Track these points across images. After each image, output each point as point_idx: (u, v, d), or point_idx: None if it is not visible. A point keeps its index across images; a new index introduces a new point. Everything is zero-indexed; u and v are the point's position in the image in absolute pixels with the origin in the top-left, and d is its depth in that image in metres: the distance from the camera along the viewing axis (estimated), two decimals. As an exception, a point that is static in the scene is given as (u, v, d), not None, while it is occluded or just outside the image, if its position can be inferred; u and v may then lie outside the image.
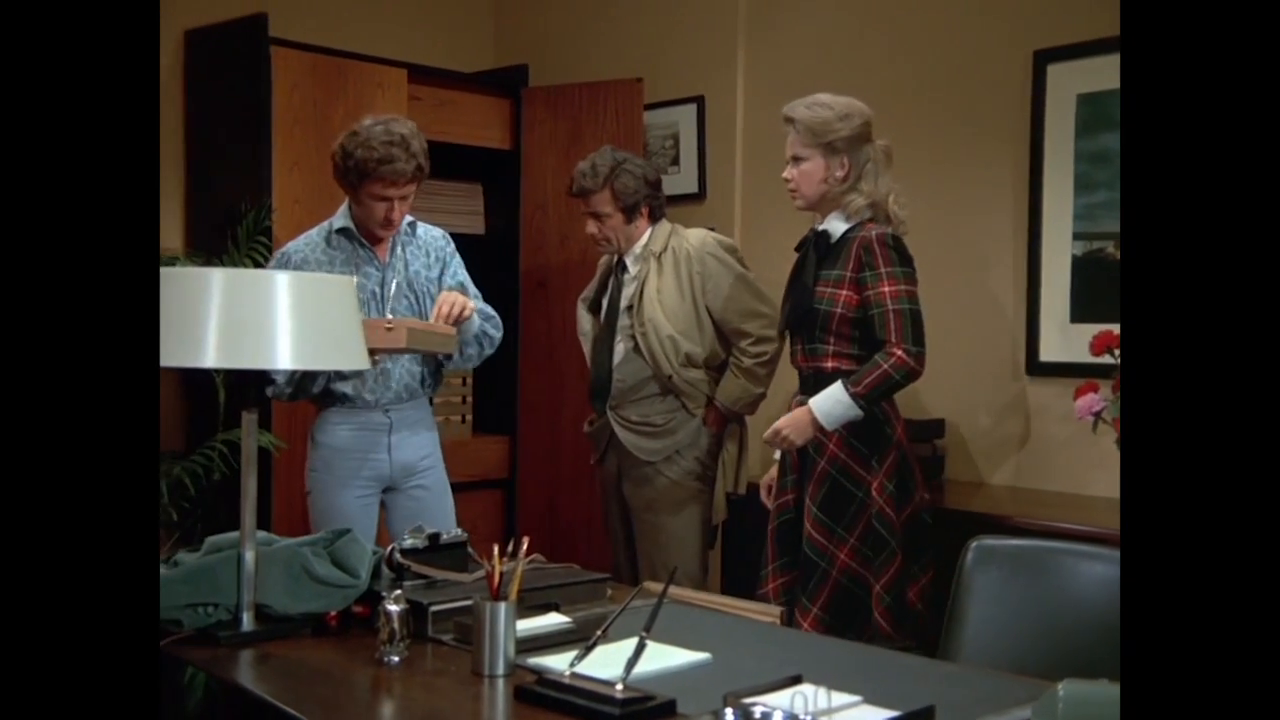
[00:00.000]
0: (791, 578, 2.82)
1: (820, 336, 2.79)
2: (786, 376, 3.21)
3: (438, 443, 3.09)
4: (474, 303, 2.95)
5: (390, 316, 2.83)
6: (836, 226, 2.81)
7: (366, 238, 2.95)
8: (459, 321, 2.86)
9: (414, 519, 2.76)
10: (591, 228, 3.38)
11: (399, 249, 3.00)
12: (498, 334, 3.05)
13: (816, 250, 2.83)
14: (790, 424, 2.78)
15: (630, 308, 3.33)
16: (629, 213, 3.32)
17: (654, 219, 3.39)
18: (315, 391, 2.93)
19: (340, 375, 2.90)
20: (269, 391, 2.92)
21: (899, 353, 2.68)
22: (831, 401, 2.71)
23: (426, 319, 2.96)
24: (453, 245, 3.11)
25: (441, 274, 3.05)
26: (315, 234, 2.98)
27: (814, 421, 2.73)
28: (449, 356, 2.98)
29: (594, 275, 3.57)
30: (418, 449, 3.02)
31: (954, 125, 3.66)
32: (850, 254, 2.74)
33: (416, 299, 3.00)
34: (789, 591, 2.81)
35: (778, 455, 2.99)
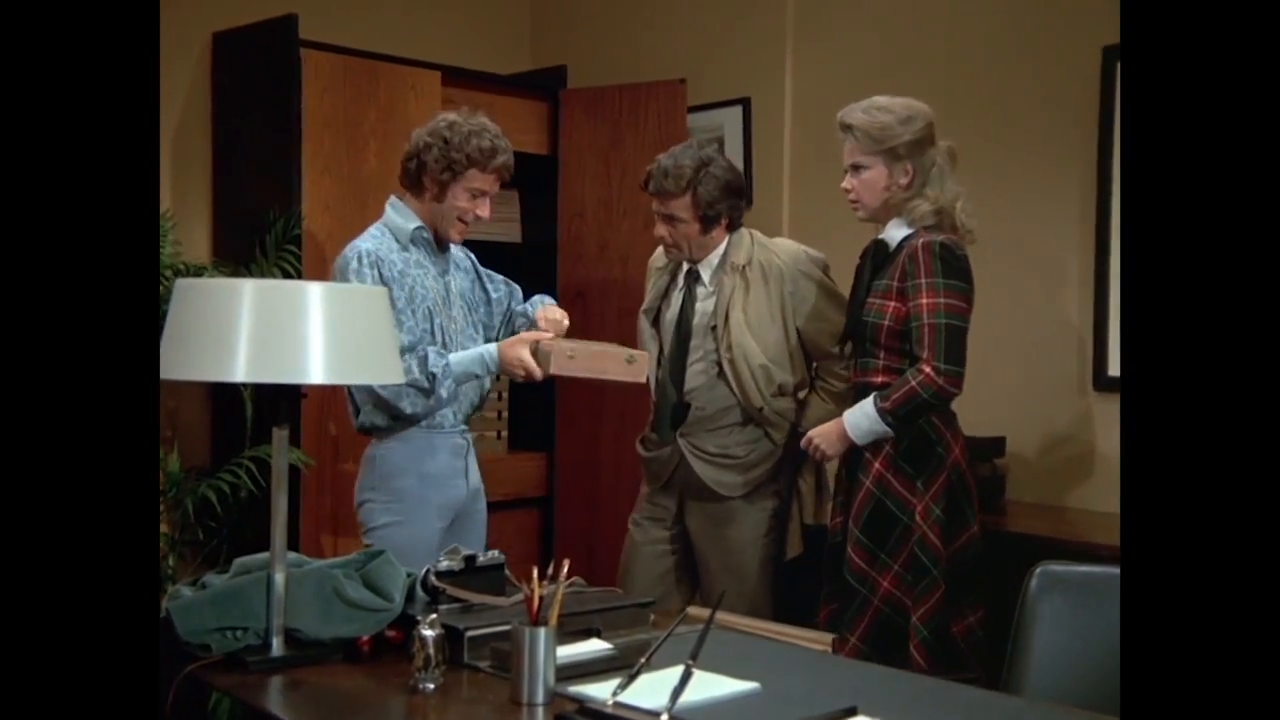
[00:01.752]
0: (840, 605, 2.80)
1: (870, 350, 2.78)
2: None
3: None
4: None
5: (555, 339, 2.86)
6: (894, 234, 2.79)
7: (434, 240, 2.96)
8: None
9: (473, 545, 2.75)
10: (662, 230, 3.16)
11: (452, 253, 3.03)
12: None
13: (873, 260, 2.82)
14: (822, 434, 2.81)
15: (714, 327, 3.13)
16: (707, 223, 3.12)
17: (732, 229, 3.19)
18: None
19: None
20: (363, 421, 2.89)
21: (928, 370, 2.64)
22: (860, 414, 2.73)
23: (477, 329, 3.01)
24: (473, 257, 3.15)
25: (476, 286, 3.08)
26: (380, 234, 2.90)
27: (844, 434, 2.75)
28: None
29: (647, 281, 3.37)
30: (479, 472, 3.05)
31: (1017, 128, 3.63)
32: (899, 262, 2.73)
33: (469, 308, 3.03)
34: (836, 620, 2.79)
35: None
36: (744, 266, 3.14)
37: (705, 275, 3.19)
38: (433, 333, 2.87)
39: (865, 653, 2.67)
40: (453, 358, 2.84)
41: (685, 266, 3.23)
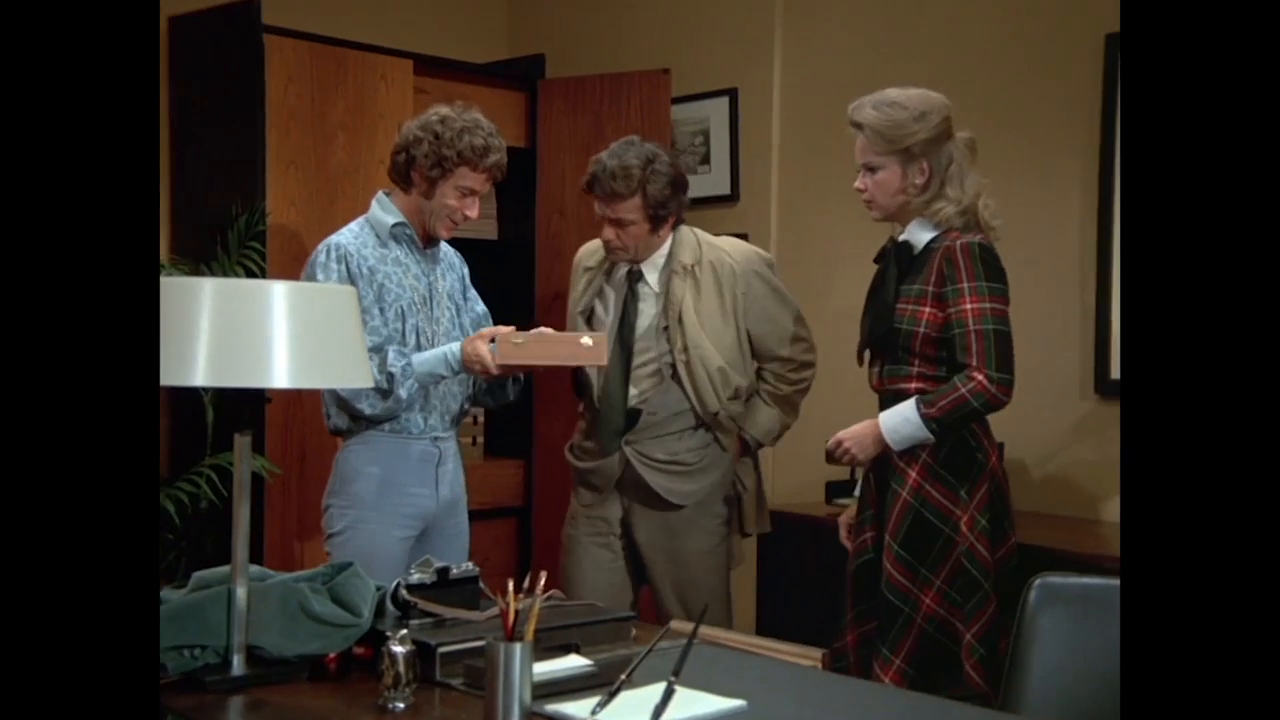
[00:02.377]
0: (872, 627, 2.73)
1: (903, 358, 2.71)
2: (857, 401, 3.16)
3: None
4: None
5: (509, 329, 2.86)
6: (920, 236, 2.73)
7: (420, 237, 2.96)
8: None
9: (450, 560, 2.74)
10: (609, 234, 3.14)
11: (440, 252, 3.03)
12: None
13: (898, 263, 2.75)
14: (853, 436, 2.74)
15: (665, 329, 3.15)
16: (656, 222, 3.13)
17: (675, 225, 3.20)
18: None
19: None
20: (334, 424, 2.91)
21: (980, 378, 2.60)
22: (900, 419, 2.66)
23: (464, 331, 3.00)
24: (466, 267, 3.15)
25: (464, 292, 3.09)
26: (359, 228, 2.92)
27: (879, 438, 2.68)
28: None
29: (574, 280, 3.35)
30: (458, 483, 3.03)
31: (1016, 121, 3.64)
32: (933, 266, 2.68)
33: (456, 310, 3.03)
34: (868, 643, 2.74)
35: (856, 494, 2.95)
36: (693, 266, 3.15)
37: (650, 276, 3.19)
38: (404, 333, 2.87)
39: (910, 675, 2.63)
40: (415, 358, 2.84)
41: (624, 266, 3.23)
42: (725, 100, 4.31)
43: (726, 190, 4.32)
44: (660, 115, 4.26)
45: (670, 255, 3.18)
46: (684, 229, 3.23)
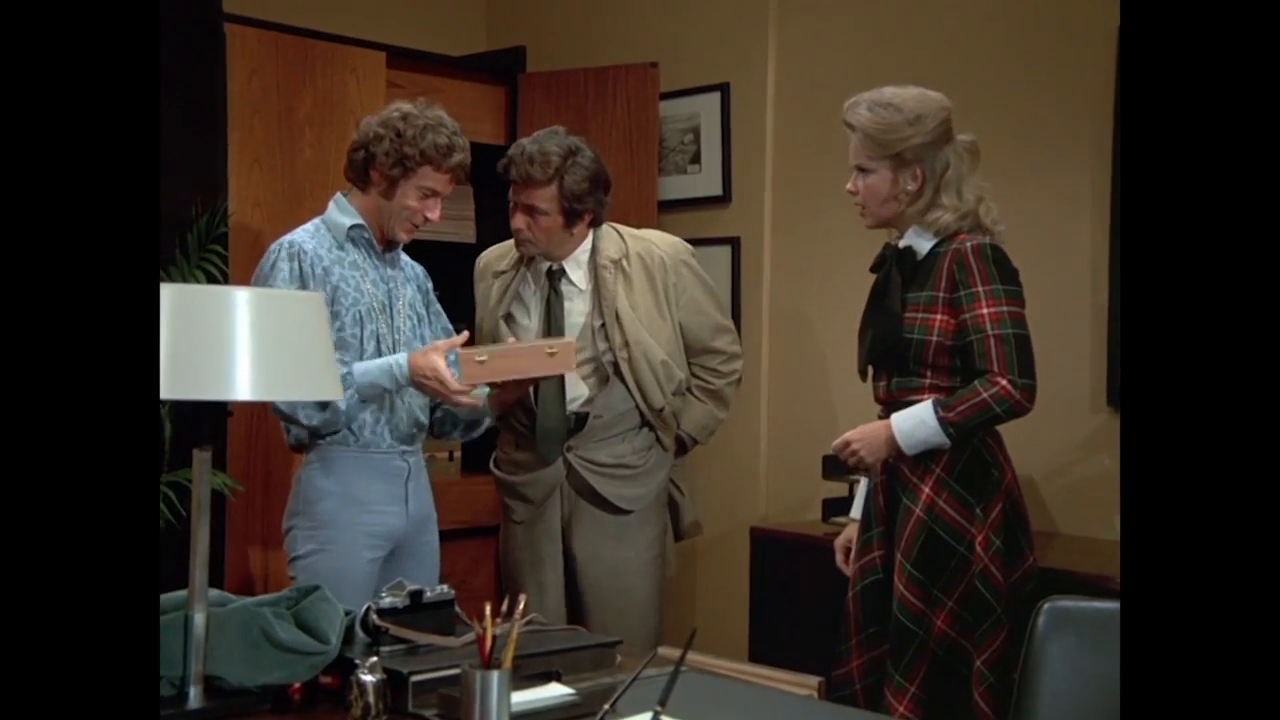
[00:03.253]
0: (881, 652, 2.73)
1: (914, 369, 2.71)
2: (855, 414, 3.18)
3: None
4: None
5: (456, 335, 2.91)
6: (921, 243, 2.75)
7: (378, 240, 2.96)
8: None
9: (422, 581, 2.74)
10: (519, 221, 3.18)
11: (400, 260, 3.03)
12: None
13: (901, 270, 2.75)
14: (863, 438, 2.73)
15: (602, 326, 3.20)
16: (570, 218, 3.16)
17: (594, 225, 3.26)
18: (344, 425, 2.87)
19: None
20: (294, 437, 2.91)
21: (1004, 383, 2.61)
22: (915, 421, 2.66)
23: (424, 341, 2.99)
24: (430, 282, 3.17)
25: (427, 305, 3.10)
26: (314, 229, 2.93)
27: (891, 439, 2.68)
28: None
29: (480, 287, 3.38)
30: (428, 499, 3.04)
31: (1021, 121, 3.66)
32: (942, 271, 2.68)
33: (417, 320, 3.03)
34: (877, 669, 2.73)
35: (853, 514, 2.96)
36: (620, 259, 3.21)
37: (575, 274, 3.24)
38: (362, 340, 2.87)
39: (924, 701, 2.63)
40: (356, 367, 2.83)
41: (544, 266, 3.25)
42: (717, 96, 4.32)
43: (718, 191, 4.33)
44: (648, 111, 4.27)
45: (594, 250, 3.24)
46: (605, 226, 3.29)
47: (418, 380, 2.81)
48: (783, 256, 4.18)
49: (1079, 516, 3.55)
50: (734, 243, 4.26)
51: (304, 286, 2.80)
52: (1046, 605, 2.09)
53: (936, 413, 2.63)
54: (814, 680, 2.32)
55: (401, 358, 2.82)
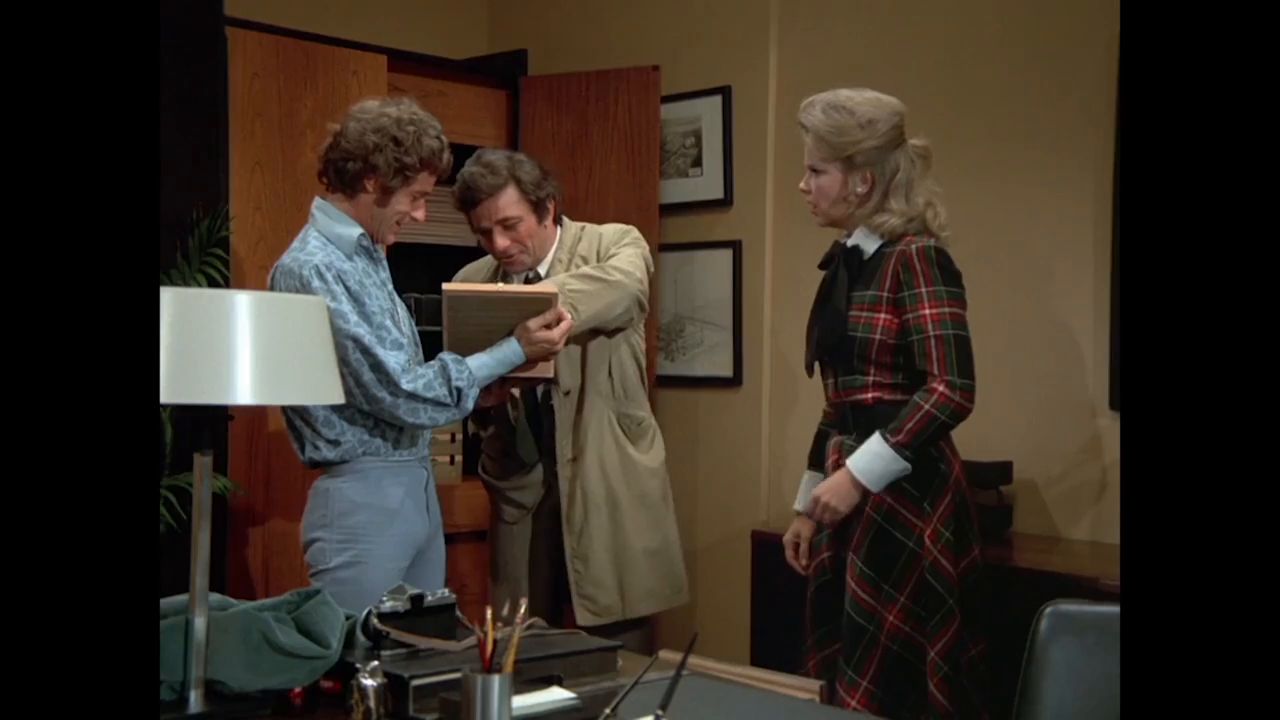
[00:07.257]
0: (834, 650, 2.80)
1: (858, 367, 2.79)
2: (810, 417, 3.21)
3: None
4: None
5: None
6: (868, 243, 2.82)
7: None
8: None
9: (433, 585, 2.74)
10: (503, 241, 3.23)
11: (383, 259, 3.03)
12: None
13: (848, 269, 2.83)
14: (830, 489, 2.77)
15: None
16: (539, 210, 3.26)
17: (557, 220, 3.36)
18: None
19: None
20: (320, 455, 2.88)
21: (941, 389, 2.67)
22: (870, 457, 2.71)
23: (415, 343, 3.00)
24: None
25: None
26: (322, 244, 2.84)
27: (856, 483, 2.73)
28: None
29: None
30: (438, 505, 3.06)
31: (1022, 123, 3.66)
32: (887, 271, 2.76)
33: (408, 316, 3.04)
34: (831, 666, 2.80)
35: (798, 506, 2.98)
36: (575, 245, 3.30)
37: (546, 275, 3.29)
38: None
39: (878, 696, 2.69)
40: (471, 364, 2.90)
41: (521, 275, 3.32)
42: (718, 99, 4.32)
43: (719, 194, 4.33)
44: (649, 115, 4.28)
45: (559, 246, 3.34)
46: (566, 222, 3.40)
47: (533, 354, 2.96)
48: (784, 260, 4.18)
49: (1082, 521, 3.54)
50: (735, 246, 4.27)
51: (358, 305, 2.79)
52: (1049, 609, 2.09)
53: (886, 441, 2.69)
54: (816, 684, 2.33)
55: (513, 343, 2.94)
